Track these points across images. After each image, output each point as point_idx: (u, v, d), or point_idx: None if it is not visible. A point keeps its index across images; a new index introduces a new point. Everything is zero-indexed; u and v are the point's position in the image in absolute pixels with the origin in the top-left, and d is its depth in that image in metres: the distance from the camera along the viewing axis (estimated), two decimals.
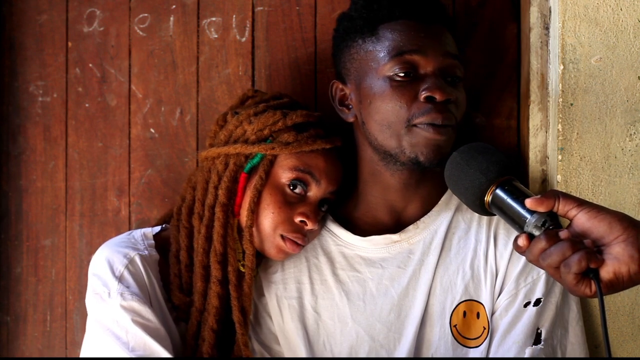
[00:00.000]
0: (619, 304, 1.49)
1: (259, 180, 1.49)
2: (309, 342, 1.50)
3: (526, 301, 1.42)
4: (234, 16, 1.76)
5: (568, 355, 1.43)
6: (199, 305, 1.49)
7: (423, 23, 1.46)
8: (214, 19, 1.76)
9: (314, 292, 1.52)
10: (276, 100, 1.58)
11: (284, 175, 1.50)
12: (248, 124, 1.52)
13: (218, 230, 1.49)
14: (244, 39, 1.76)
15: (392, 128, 1.44)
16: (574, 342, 1.44)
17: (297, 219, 1.49)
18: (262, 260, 1.59)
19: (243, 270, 1.50)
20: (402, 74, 1.43)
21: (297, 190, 1.50)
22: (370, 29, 1.47)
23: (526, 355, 1.38)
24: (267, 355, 1.53)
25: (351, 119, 1.54)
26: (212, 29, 1.76)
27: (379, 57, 1.45)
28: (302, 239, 1.50)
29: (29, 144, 1.83)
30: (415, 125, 1.43)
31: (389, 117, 1.44)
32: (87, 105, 1.81)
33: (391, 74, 1.44)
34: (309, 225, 1.49)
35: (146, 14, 1.79)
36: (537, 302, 1.42)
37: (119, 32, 1.80)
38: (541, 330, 1.41)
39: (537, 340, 1.40)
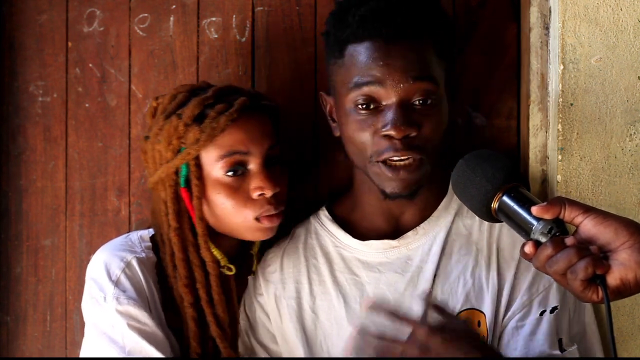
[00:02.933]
0: (619, 304, 1.49)
1: (196, 188, 1.45)
2: (307, 342, 1.50)
3: (542, 310, 1.41)
4: (234, 16, 1.76)
5: (587, 352, 1.43)
6: (185, 332, 1.49)
7: (389, 42, 1.37)
8: (214, 19, 1.76)
9: (313, 293, 1.52)
10: (172, 103, 1.50)
11: (216, 170, 1.46)
12: (158, 143, 1.47)
13: (178, 255, 1.48)
14: (244, 39, 1.76)
15: (360, 157, 1.43)
16: (593, 339, 1.45)
17: (255, 195, 1.46)
18: (261, 258, 1.59)
19: (228, 273, 1.51)
20: (363, 106, 1.39)
21: (237, 174, 1.46)
22: (339, 49, 1.43)
23: None
24: (265, 355, 1.53)
25: (337, 134, 1.51)
26: (212, 29, 1.76)
27: (344, 84, 1.41)
28: (272, 209, 1.47)
29: (29, 144, 1.83)
30: (377, 162, 1.40)
31: (356, 148, 1.43)
32: (87, 105, 1.81)
33: (353, 105, 1.40)
34: (268, 193, 1.46)
35: (146, 14, 1.79)
36: (553, 310, 1.41)
37: (119, 32, 1.80)
38: (562, 338, 1.40)
39: (560, 348, 1.39)
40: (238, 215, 1.46)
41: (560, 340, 1.39)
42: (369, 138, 1.40)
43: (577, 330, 1.44)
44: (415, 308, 1.45)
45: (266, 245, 1.61)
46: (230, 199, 1.45)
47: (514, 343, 1.41)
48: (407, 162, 1.39)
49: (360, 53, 1.39)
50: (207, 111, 1.44)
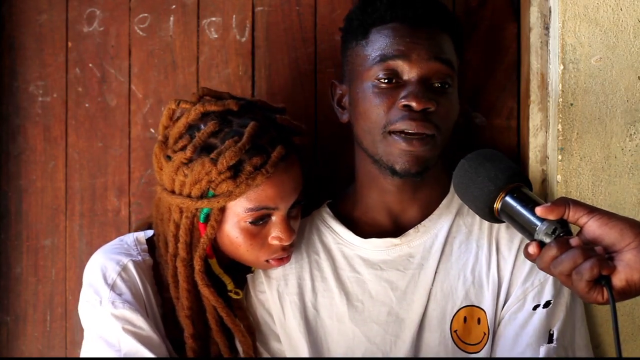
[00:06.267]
0: (619, 304, 1.46)
1: (212, 230, 1.43)
2: (310, 339, 1.49)
3: (535, 304, 1.42)
4: (234, 16, 1.76)
5: (576, 355, 1.43)
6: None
7: (414, 26, 1.44)
8: (214, 19, 1.76)
9: (315, 290, 1.52)
10: (202, 130, 1.43)
11: (240, 219, 1.43)
12: (183, 176, 1.42)
13: (183, 285, 1.46)
14: (244, 39, 1.76)
15: (371, 134, 1.44)
16: (580, 343, 1.45)
17: (272, 242, 1.46)
18: None
19: (236, 297, 1.51)
20: (385, 80, 1.42)
21: (259, 223, 1.44)
22: (363, 32, 1.47)
23: (541, 355, 1.38)
24: (266, 355, 1.53)
25: (345, 119, 1.53)
26: (212, 29, 1.76)
27: (366, 61, 1.45)
28: (284, 254, 1.48)
29: (29, 144, 1.83)
30: (390, 133, 1.42)
31: (369, 123, 1.44)
32: (87, 105, 1.81)
33: (375, 79, 1.43)
34: (285, 243, 1.46)
35: (146, 14, 1.79)
36: (547, 304, 1.41)
37: (119, 32, 1.80)
38: (553, 331, 1.40)
39: (549, 340, 1.40)
40: (250, 255, 1.47)
41: (551, 334, 1.40)
42: (386, 109, 1.42)
43: (569, 329, 1.44)
44: (417, 305, 1.46)
45: None
46: (247, 241, 1.45)
47: (505, 334, 1.42)
48: (421, 135, 1.41)
49: (387, 32, 1.45)
50: (243, 163, 1.39)
